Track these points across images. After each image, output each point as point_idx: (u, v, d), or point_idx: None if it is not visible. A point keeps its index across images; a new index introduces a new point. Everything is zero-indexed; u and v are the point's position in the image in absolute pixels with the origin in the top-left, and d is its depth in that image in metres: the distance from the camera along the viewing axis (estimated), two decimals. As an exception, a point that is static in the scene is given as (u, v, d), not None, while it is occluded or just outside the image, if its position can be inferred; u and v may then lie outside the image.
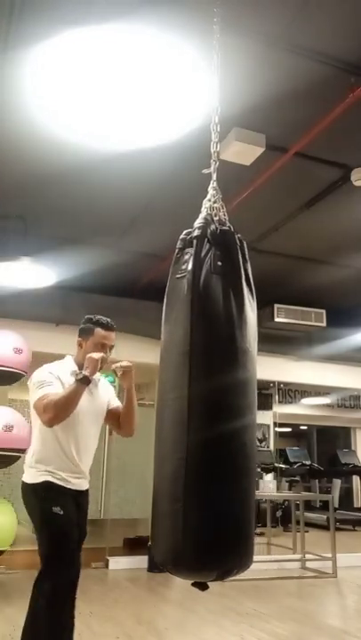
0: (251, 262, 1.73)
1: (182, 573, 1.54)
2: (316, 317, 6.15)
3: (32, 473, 2.55)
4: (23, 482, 2.58)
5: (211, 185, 1.81)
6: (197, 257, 1.63)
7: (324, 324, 6.20)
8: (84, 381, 2.45)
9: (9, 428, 4.60)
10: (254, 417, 1.62)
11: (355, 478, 11.07)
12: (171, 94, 2.87)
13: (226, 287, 1.61)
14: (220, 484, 1.49)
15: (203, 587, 1.57)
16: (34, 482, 2.52)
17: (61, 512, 2.46)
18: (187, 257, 1.66)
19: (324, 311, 6.18)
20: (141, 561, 5.94)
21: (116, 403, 2.80)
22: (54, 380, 2.53)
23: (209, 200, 1.77)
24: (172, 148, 3.36)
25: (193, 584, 1.58)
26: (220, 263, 1.63)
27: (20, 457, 4.73)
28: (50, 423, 2.43)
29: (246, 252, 1.72)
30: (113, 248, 5.00)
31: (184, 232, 1.73)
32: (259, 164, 3.42)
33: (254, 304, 1.70)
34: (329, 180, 3.85)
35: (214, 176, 1.83)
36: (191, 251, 1.65)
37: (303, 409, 9.96)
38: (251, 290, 1.69)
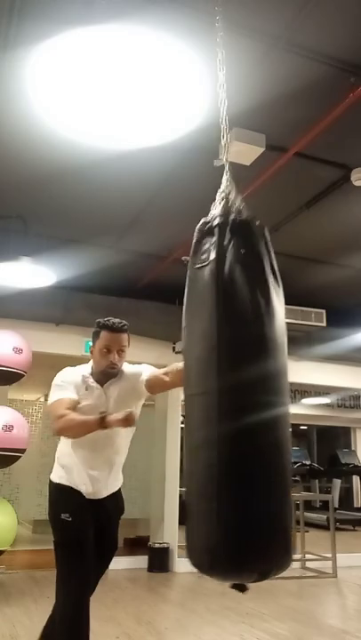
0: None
1: (220, 575, 1.46)
2: (316, 317, 6.14)
3: (55, 470, 2.56)
4: (49, 478, 2.59)
5: (224, 176, 1.72)
6: (220, 245, 1.52)
7: (324, 324, 6.19)
8: (100, 424, 2.27)
9: (9, 428, 4.60)
10: (288, 410, 1.52)
11: (355, 478, 11.07)
12: (171, 94, 2.87)
13: (251, 276, 1.50)
14: (255, 481, 1.41)
15: (242, 588, 1.49)
16: (53, 481, 2.54)
17: (70, 519, 2.40)
18: (207, 246, 1.55)
19: (324, 311, 6.18)
20: (141, 561, 5.93)
21: (150, 371, 2.56)
22: (68, 384, 2.50)
23: (223, 191, 1.68)
24: (173, 148, 3.36)
25: (232, 586, 1.50)
26: (243, 251, 1.53)
27: (19, 457, 4.74)
28: (55, 434, 2.47)
29: (269, 241, 1.62)
30: (113, 248, 4.99)
31: (201, 222, 1.63)
32: (259, 164, 3.42)
33: (281, 293, 1.59)
34: (329, 180, 3.85)
35: (227, 166, 1.74)
36: (212, 240, 1.55)
37: (303, 409, 9.94)
38: (276, 279, 1.59)
